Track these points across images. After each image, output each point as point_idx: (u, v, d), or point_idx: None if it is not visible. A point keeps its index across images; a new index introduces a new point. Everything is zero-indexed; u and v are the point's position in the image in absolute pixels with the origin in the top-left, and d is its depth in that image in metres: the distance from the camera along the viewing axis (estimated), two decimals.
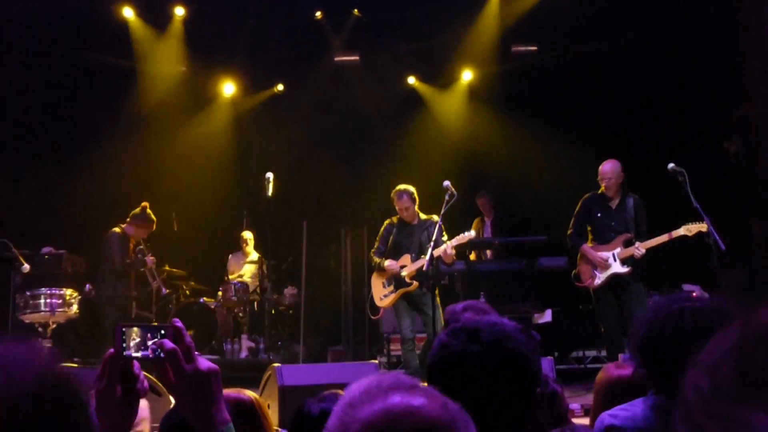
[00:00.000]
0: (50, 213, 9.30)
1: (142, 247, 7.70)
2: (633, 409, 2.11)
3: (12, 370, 0.98)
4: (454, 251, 6.54)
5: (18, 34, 9.17)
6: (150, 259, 7.76)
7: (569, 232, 7.16)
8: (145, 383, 1.47)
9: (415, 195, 6.92)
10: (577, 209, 7.17)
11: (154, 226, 7.98)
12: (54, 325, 6.62)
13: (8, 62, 9.25)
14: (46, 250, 8.05)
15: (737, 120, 8.80)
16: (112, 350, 1.42)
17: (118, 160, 9.71)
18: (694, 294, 7.79)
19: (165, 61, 10.10)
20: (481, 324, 1.66)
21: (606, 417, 2.13)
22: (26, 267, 6.70)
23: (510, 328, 1.65)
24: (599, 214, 6.99)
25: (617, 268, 6.79)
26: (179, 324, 1.40)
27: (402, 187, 6.93)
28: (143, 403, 1.85)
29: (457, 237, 6.56)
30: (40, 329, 6.56)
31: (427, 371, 1.66)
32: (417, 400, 1.01)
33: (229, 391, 2.28)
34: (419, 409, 0.99)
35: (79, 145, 9.49)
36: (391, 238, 6.97)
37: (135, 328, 1.44)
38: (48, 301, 6.53)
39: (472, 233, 6.72)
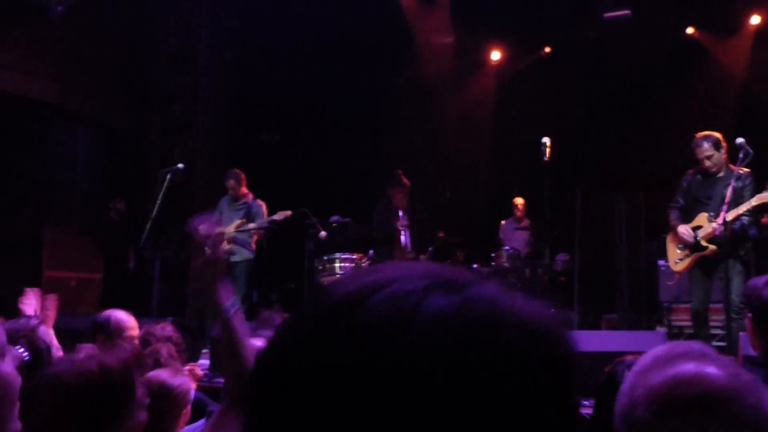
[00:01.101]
0: (337, 183, 10.09)
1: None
2: None
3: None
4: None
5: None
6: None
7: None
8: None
9: (722, 142, 6.10)
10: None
11: (407, 191, 8.23)
12: None
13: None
14: (334, 218, 8.68)
15: None
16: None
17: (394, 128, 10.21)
18: None
19: (434, 31, 10.35)
20: None
21: None
22: (323, 233, 7.27)
23: None
24: None
25: None
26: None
27: (704, 133, 6.21)
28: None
29: (757, 197, 5.83)
30: None
31: None
32: (707, 368, 0.99)
33: None
34: (706, 376, 0.98)
35: None
36: (691, 191, 6.26)
37: None
38: (342, 265, 7.07)
39: None
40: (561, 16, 9.82)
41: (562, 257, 9.52)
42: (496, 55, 10.76)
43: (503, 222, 9.99)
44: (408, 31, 10.26)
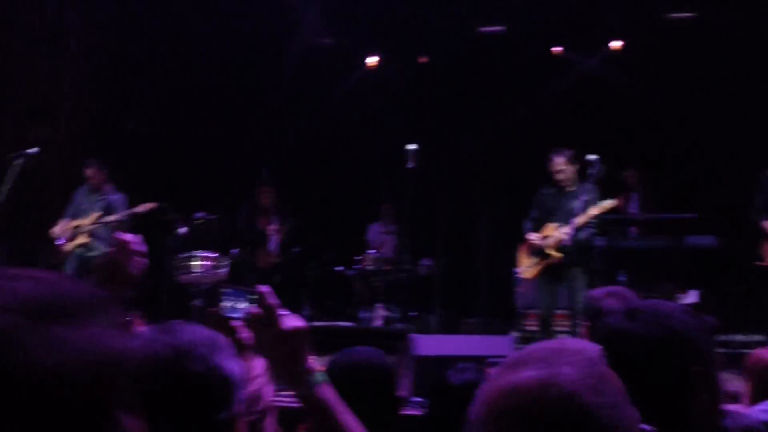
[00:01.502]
0: (205, 178, 9.87)
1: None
2: None
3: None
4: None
5: None
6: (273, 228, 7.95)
7: (752, 208, 6.79)
8: (246, 336, 1.61)
9: (574, 158, 6.55)
10: (757, 185, 6.77)
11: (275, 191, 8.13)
12: (205, 287, 6.96)
13: None
14: (199, 214, 8.47)
15: None
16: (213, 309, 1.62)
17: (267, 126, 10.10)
18: None
19: (311, 32, 10.32)
20: (644, 304, 1.64)
21: (760, 413, 2.02)
22: (183, 229, 7.08)
23: (674, 308, 1.63)
24: None
25: None
26: (262, 288, 1.49)
27: (560, 149, 6.64)
28: (257, 362, 2.01)
29: (597, 206, 6.25)
30: (193, 290, 6.94)
31: None
32: (540, 375, 0.97)
33: (365, 354, 2.31)
34: (526, 385, 0.96)
35: None
36: (544, 203, 6.69)
37: (231, 291, 1.66)
38: (200, 263, 6.90)
39: (611, 202, 6.34)
40: (438, 27, 10.02)
41: (426, 262, 9.74)
42: (372, 60, 10.83)
43: (371, 225, 10.12)
44: (285, 30, 10.19)
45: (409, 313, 9.19)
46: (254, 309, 1.48)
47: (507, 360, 1.03)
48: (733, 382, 5.63)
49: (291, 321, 1.49)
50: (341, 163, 10.52)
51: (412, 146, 7.06)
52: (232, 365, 1.50)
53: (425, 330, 8.52)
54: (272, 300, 1.49)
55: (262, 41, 10.07)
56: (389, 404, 2.34)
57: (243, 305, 1.68)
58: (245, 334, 1.84)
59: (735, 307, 7.81)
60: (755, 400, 2.92)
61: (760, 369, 3.05)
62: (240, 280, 7.98)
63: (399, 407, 2.42)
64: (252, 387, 2.52)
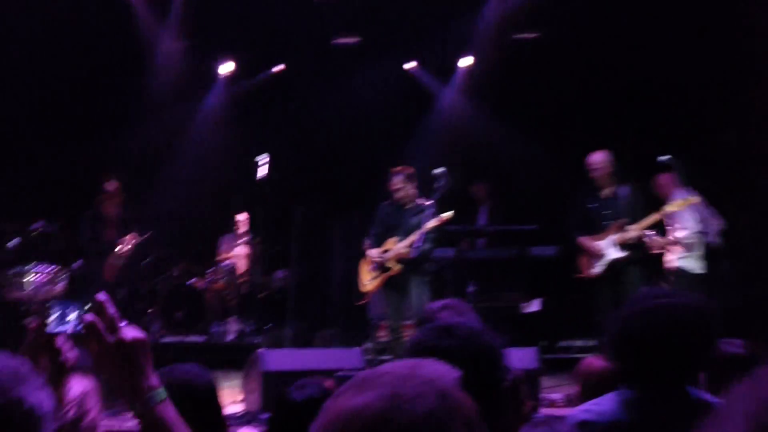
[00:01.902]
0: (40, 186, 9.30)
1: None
2: (605, 403, 2.09)
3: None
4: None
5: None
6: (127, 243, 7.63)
7: (568, 226, 7.17)
8: (70, 357, 1.49)
9: (412, 176, 6.82)
10: (571, 203, 7.17)
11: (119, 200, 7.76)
12: (38, 304, 6.53)
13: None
14: (37, 225, 7.96)
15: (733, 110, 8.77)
16: (34, 324, 1.47)
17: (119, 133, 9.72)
18: None
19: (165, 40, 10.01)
20: (454, 323, 1.69)
21: (579, 412, 2.13)
22: (14, 241, 6.62)
23: (481, 327, 1.70)
24: (593, 205, 6.99)
25: (614, 253, 6.81)
26: (101, 297, 1.41)
27: (399, 168, 6.89)
28: (86, 381, 1.87)
29: (435, 219, 6.50)
30: (23, 308, 6.48)
31: None
32: (356, 400, 0.95)
33: (186, 372, 2.24)
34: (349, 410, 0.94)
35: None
36: (385, 219, 6.91)
37: (57, 304, 1.54)
38: (34, 279, 6.45)
39: (448, 214, 6.61)
40: (293, 37, 9.98)
41: (280, 274, 9.65)
42: (226, 69, 10.64)
43: (223, 236, 9.91)
44: (139, 37, 9.83)
45: (264, 327, 9.06)
46: (91, 318, 1.39)
47: (355, 379, 1.00)
48: (571, 387, 5.94)
49: (130, 332, 1.41)
50: (192, 172, 10.24)
51: (261, 157, 7.00)
52: (39, 397, 1.38)
53: (280, 343, 8.43)
54: (111, 309, 1.40)
55: (108, 47, 9.66)
56: (213, 426, 2.26)
57: (73, 316, 1.55)
58: (70, 354, 1.71)
59: (574, 315, 8.23)
60: (583, 402, 3.06)
61: (588, 374, 3.21)
62: (83, 295, 7.59)
63: (224, 428, 2.35)
64: (72, 413, 2.36)
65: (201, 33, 9.85)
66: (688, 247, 6.91)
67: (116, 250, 7.56)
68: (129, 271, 8.17)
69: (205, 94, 10.70)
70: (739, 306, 7.33)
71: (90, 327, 1.39)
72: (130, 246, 7.63)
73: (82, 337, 1.41)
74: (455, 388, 0.99)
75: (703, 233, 6.97)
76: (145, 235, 7.85)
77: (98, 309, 1.40)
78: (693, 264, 7.01)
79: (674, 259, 7.00)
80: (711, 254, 7.03)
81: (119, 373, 1.41)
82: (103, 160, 9.05)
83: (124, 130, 9.80)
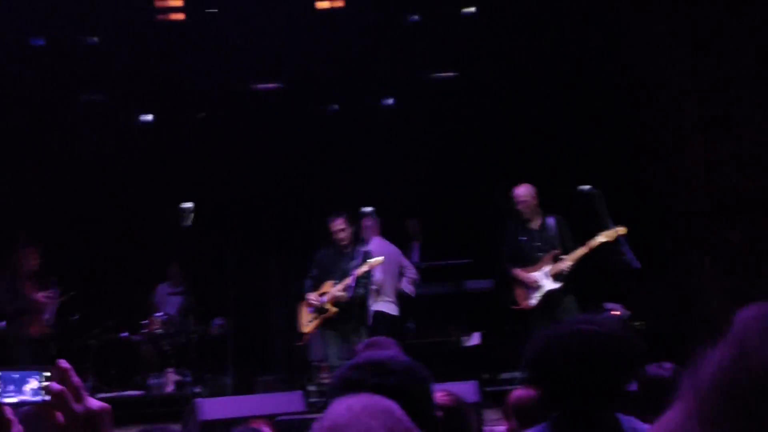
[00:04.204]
0: None
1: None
2: None
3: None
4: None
5: None
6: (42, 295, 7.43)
7: (501, 259, 7.28)
8: (19, 428, 1.43)
9: (352, 219, 6.94)
10: (502, 236, 7.29)
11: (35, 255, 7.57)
12: None
13: None
14: None
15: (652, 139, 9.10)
16: None
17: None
18: (618, 312, 8.02)
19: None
20: (383, 357, 1.70)
21: None
22: None
23: (408, 360, 1.71)
24: (523, 238, 7.12)
25: (549, 285, 6.93)
26: (65, 364, 1.35)
27: (338, 210, 6.96)
28: None
29: (365, 264, 6.59)
30: None
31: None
32: None
33: None
34: None
35: None
36: (323, 262, 6.99)
37: (13, 372, 1.42)
38: None
39: (380, 259, 6.73)
40: (213, 85, 9.99)
41: (218, 321, 9.51)
42: (148, 117, 10.56)
43: (157, 286, 9.73)
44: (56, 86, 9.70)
45: (203, 376, 8.90)
46: (58, 387, 1.31)
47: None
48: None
49: (95, 402, 1.35)
50: (120, 223, 10.06)
51: (187, 204, 6.96)
52: None
53: (221, 392, 8.28)
54: (75, 377, 1.33)
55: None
56: None
57: (32, 385, 1.45)
58: (16, 429, 1.64)
59: (515, 346, 8.30)
60: None
61: (520, 406, 3.25)
62: (11, 356, 7.33)
63: None
64: None
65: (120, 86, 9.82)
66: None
67: (38, 306, 7.36)
68: (57, 327, 7.96)
69: (127, 144, 10.54)
70: (672, 330, 7.54)
71: (58, 396, 1.32)
72: (52, 302, 7.44)
73: (44, 406, 1.36)
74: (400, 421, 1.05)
75: None
76: (69, 295, 7.68)
77: (62, 377, 1.34)
78: None
79: None
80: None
81: None
82: (18, 213, 8.87)
83: (49, 184, 9.62)
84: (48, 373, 1.39)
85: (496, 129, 9.93)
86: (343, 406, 1.07)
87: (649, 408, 2.93)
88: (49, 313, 7.56)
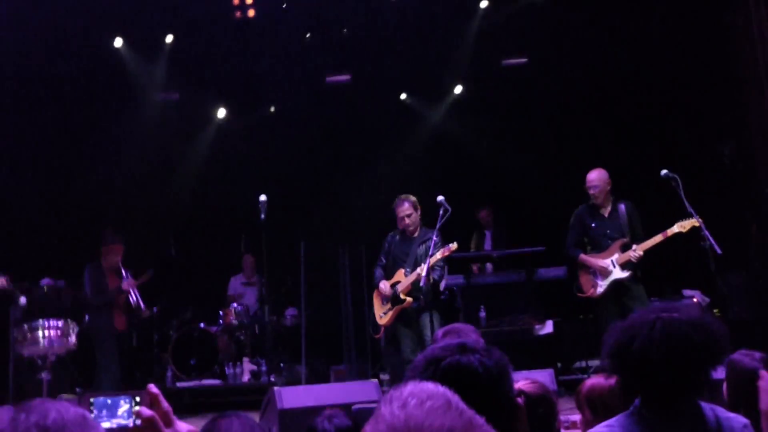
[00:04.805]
0: (47, 242, 9.34)
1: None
2: (617, 423, 2.09)
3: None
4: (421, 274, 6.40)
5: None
6: (128, 282, 7.64)
7: (566, 245, 7.15)
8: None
9: (417, 204, 6.79)
10: (571, 222, 7.15)
11: (121, 250, 7.80)
12: (53, 358, 6.55)
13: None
14: (45, 281, 8.00)
15: (730, 121, 8.81)
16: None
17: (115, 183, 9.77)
18: (695, 299, 7.79)
19: (156, 87, 10.15)
20: (463, 340, 1.68)
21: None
22: (23, 299, 6.64)
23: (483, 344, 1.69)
24: (593, 224, 6.96)
25: (617, 273, 6.76)
26: (155, 390, 1.40)
27: (404, 195, 6.88)
28: None
29: (440, 251, 6.45)
30: (39, 362, 6.51)
31: None
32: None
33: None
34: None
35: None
36: (391, 250, 6.85)
37: (105, 397, 1.47)
38: (46, 333, 6.48)
39: (454, 245, 6.59)
40: (284, 78, 10.11)
41: (291, 312, 9.65)
42: (221, 113, 10.77)
43: (232, 278, 9.94)
44: (131, 85, 9.96)
45: (278, 365, 9.05)
46: (148, 412, 1.36)
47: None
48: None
49: (183, 426, 1.40)
50: (199, 217, 10.31)
51: (263, 197, 7.04)
52: None
53: (295, 381, 8.40)
54: (164, 403, 1.38)
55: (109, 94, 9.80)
56: None
57: (124, 409, 1.48)
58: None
59: (588, 335, 8.16)
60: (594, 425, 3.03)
61: (593, 396, 3.17)
62: (97, 347, 7.58)
63: None
64: None
65: (194, 77, 10.01)
66: None
67: (121, 296, 7.58)
68: (139, 319, 8.20)
69: (202, 138, 10.80)
70: (751, 318, 7.29)
71: (148, 421, 1.36)
72: (132, 286, 7.65)
73: (135, 431, 1.40)
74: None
75: None
76: (148, 275, 7.86)
77: (153, 402, 1.39)
78: None
79: None
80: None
81: None
82: (103, 211, 9.15)
83: (117, 181, 9.93)
84: (138, 398, 1.43)
85: (568, 115, 9.78)
86: (396, 405, 1.07)
87: (739, 398, 2.85)
88: (133, 296, 7.75)
